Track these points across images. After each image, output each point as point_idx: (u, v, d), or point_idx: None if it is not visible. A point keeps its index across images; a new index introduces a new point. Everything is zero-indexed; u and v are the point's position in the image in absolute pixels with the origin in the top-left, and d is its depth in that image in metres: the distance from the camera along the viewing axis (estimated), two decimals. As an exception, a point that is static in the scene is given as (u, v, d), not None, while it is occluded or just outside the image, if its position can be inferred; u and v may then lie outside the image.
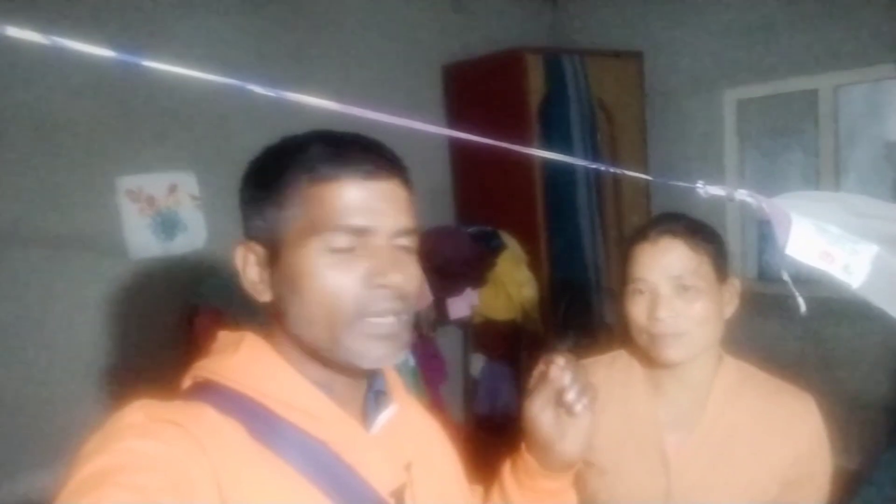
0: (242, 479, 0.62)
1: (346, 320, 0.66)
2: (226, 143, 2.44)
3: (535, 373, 0.84)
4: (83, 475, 0.55)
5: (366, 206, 0.67)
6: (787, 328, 2.91)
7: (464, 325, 3.09)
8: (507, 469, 0.90)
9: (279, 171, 0.69)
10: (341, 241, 0.66)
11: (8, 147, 2.05)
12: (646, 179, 3.37)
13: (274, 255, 0.69)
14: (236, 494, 0.60)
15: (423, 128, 0.56)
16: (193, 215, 2.42)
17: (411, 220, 0.71)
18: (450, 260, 2.72)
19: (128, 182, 2.28)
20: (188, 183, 2.41)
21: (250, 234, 0.71)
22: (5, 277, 2.06)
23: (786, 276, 0.75)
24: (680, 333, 1.01)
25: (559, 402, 0.80)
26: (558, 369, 0.81)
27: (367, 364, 0.69)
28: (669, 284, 1.01)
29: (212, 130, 2.47)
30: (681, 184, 0.71)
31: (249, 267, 0.71)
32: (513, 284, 2.90)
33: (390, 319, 0.68)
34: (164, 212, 2.35)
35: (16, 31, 0.39)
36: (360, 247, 0.67)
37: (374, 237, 0.67)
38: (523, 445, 0.86)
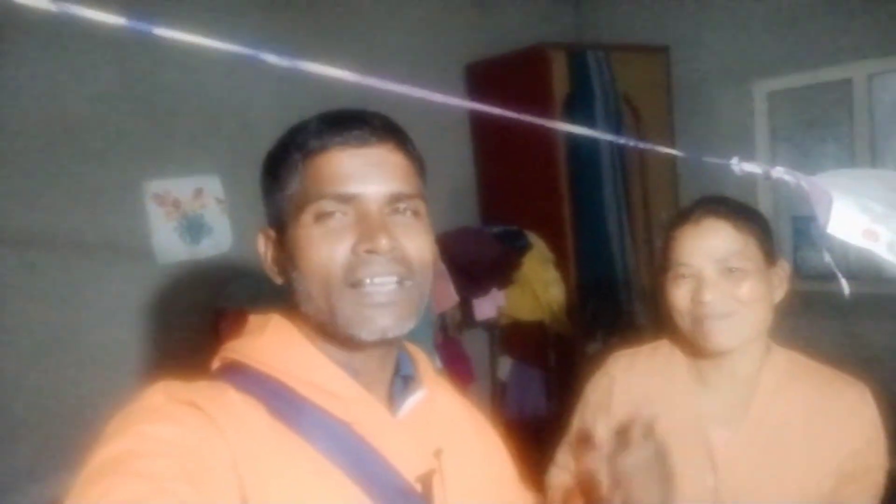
0: (262, 460, 0.60)
1: (339, 288, 0.65)
2: (250, 147, 2.44)
3: None
4: (98, 460, 0.55)
5: (353, 172, 0.66)
6: (824, 326, 2.81)
7: (490, 326, 3.06)
8: None
9: (281, 154, 0.70)
10: (329, 209, 0.66)
11: (35, 151, 2.08)
12: (674, 170, 3.31)
13: (281, 236, 0.70)
14: (255, 475, 0.59)
15: (445, 100, 0.54)
16: (219, 219, 2.43)
17: (407, 185, 0.69)
18: (475, 260, 2.69)
19: (155, 186, 2.30)
20: (214, 186, 2.42)
21: (268, 221, 0.73)
22: (35, 282, 2.09)
23: (827, 258, 0.71)
24: (727, 314, 0.95)
25: None
26: None
27: (368, 335, 0.66)
28: (715, 267, 0.96)
29: (237, 135, 2.48)
30: (714, 160, 0.67)
31: (267, 252, 0.73)
32: (539, 284, 2.86)
33: (387, 286, 0.66)
34: (190, 215, 2.37)
35: (22, -2, 0.39)
36: (352, 214, 0.66)
37: (364, 203, 0.66)
38: None
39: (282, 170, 0.69)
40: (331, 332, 0.68)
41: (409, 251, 0.68)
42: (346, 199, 0.66)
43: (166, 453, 0.55)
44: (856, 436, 0.98)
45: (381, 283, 0.66)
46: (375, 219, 0.66)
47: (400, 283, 0.67)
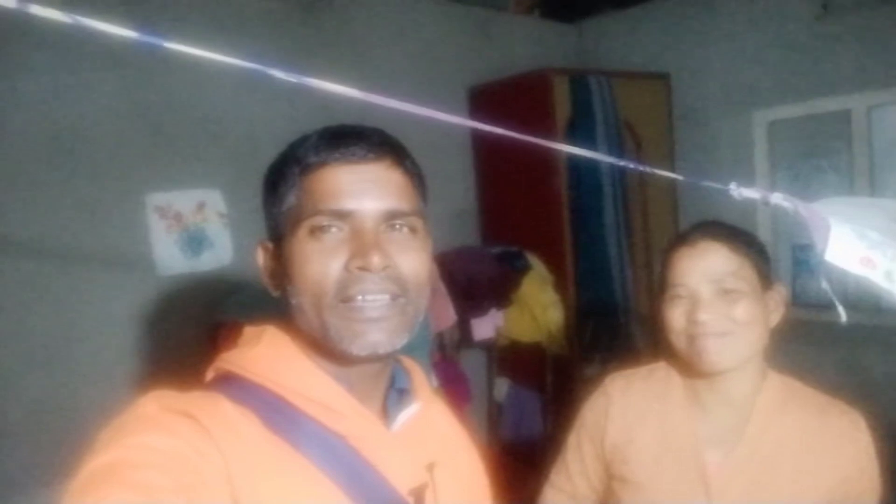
0: (255, 470, 0.60)
1: (330, 304, 0.65)
2: (253, 161, 2.45)
3: None
4: (91, 469, 0.54)
5: (349, 189, 0.66)
6: (823, 355, 2.81)
7: (488, 347, 3.06)
8: None
9: (280, 168, 0.70)
10: (323, 225, 0.66)
11: (38, 163, 2.10)
12: (674, 196, 3.32)
13: (278, 249, 0.70)
14: (249, 486, 0.59)
15: (446, 118, 0.55)
16: (220, 232, 2.44)
17: (404, 202, 0.69)
18: (474, 280, 2.70)
19: (157, 199, 2.31)
20: (215, 200, 2.43)
21: (267, 234, 0.74)
22: (35, 291, 2.09)
23: (825, 284, 0.71)
24: (722, 333, 0.96)
25: None
26: None
27: (358, 350, 0.66)
28: (710, 288, 0.98)
29: (240, 149, 2.50)
30: (713, 185, 0.68)
31: (265, 264, 0.74)
32: (538, 306, 2.86)
33: (378, 302, 0.66)
34: (192, 228, 2.38)
35: (38, 10, 0.40)
36: (347, 231, 0.66)
37: (359, 220, 0.66)
38: None
39: (280, 183, 0.69)
40: (323, 347, 0.69)
41: (403, 269, 0.68)
42: (342, 216, 0.66)
43: (159, 464, 0.55)
44: (849, 463, 0.98)
45: (373, 300, 0.66)
46: (369, 236, 0.66)
47: (393, 299, 0.67)
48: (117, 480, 0.53)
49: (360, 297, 0.65)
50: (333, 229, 0.66)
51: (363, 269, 0.65)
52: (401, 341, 0.69)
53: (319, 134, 0.70)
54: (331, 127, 0.71)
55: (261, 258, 0.75)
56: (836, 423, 1.01)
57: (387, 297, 0.66)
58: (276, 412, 0.65)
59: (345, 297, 0.65)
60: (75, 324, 2.17)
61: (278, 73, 0.50)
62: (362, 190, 0.67)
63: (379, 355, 0.68)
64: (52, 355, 2.12)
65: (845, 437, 1.00)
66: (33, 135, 2.09)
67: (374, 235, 0.66)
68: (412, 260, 0.69)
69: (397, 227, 0.69)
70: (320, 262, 0.65)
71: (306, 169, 0.68)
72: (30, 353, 2.08)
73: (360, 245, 0.65)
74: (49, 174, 2.12)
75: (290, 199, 0.68)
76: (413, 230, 0.70)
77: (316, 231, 0.66)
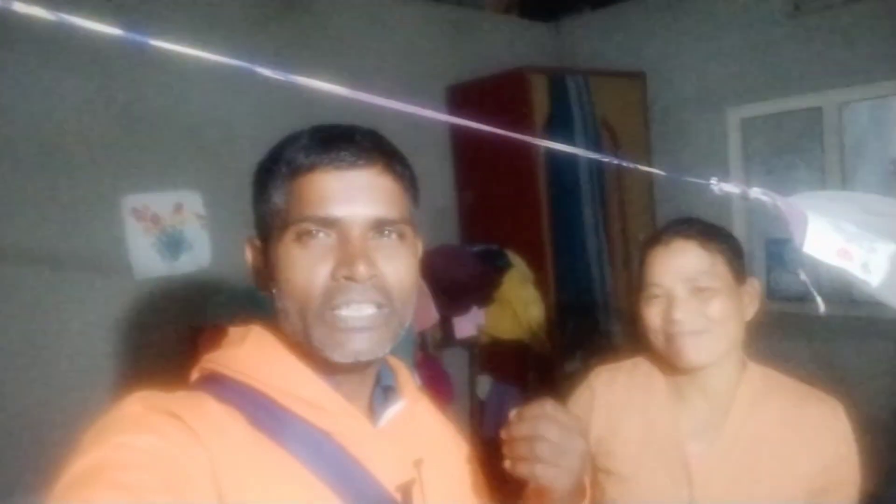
0: (241, 469, 0.60)
1: (315, 312, 0.65)
2: (232, 162, 2.45)
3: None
4: (76, 470, 0.54)
5: (338, 195, 0.66)
6: (798, 348, 2.86)
7: (470, 345, 3.06)
8: None
9: (269, 167, 0.69)
10: (311, 231, 0.65)
11: (12, 164, 2.06)
12: (651, 193, 3.36)
13: (266, 248, 0.70)
14: (234, 484, 0.59)
15: (428, 114, 0.56)
16: (199, 234, 2.41)
17: (393, 209, 0.69)
18: (455, 279, 2.70)
19: (133, 200, 2.28)
20: (194, 202, 2.41)
21: (255, 230, 0.73)
22: (10, 296, 2.05)
23: (803, 276, 0.73)
24: (698, 331, 0.99)
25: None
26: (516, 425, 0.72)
27: (341, 358, 0.66)
28: (684, 287, 1.00)
29: (218, 150, 2.48)
30: (694, 179, 0.70)
31: (253, 261, 0.73)
32: (519, 303, 2.88)
33: (363, 312, 0.66)
34: (170, 231, 2.35)
35: (22, 6, 0.39)
36: (334, 237, 0.66)
37: (347, 227, 0.66)
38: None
39: (269, 182, 0.69)
40: (307, 351, 0.69)
41: (389, 278, 0.67)
42: (329, 223, 0.65)
43: (145, 464, 0.55)
44: (829, 451, 1.00)
45: (357, 310, 0.66)
46: (356, 244, 0.65)
47: (378, 309, 0.67)
48: (103, 481, 0.53)
49: (344, 307, 0.65)
50: (321, 235, 0.66)
51: (349, 278, 0.65)
52: (384, 350, 0.69)
53: (310, 134, 0.69)
54: (322, 127, 0.70)
55: (249, 255, 0.74)
56: (816, 412, 1.03)
57: (372, 307, 0.66)
58: (261, 410, 0.65)
59: (330, 306, 0.65)
60: (53, 328, 2.13)
61: (265, 71, 0.50)
62: (350, 197, 0.66)
63: (361, 363, 0.68)
64: (30, 360, 2.08)
65: (825, 426, 1.02)
66: (7, 136, 2.05)
67: (362, 243, 0.66)
68: (398, 268, 0.68)
69: (385, 233, 0.68)
70: (306, 268, 0.65)
71: (295, 171, 0.67)
72: (7, 358, 2.05)
73: (347, 254, 0.65)
74: (23, 176, 2.08)
75: (278, 200, 0.68)
76: (401, 236, 0.70)
77: (303, 237, 0.65)
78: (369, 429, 0.71)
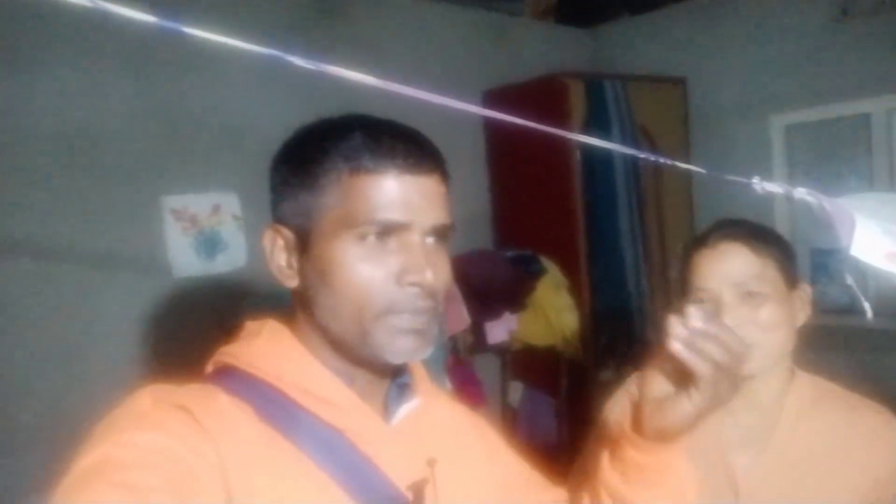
0: (250, 464, 0.60)
1: (375, 315, 0.65)
2: (269, 165, 2.48)
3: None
4: (81, 467, 0.54)
5: (404, 200, 0.65)
6: (845, 361, 2.76)
7: (502, 351, 3.04)
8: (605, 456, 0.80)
9: (317, 157, 0.67)
10: (376, 234, 0.65)
11: (54, 164, 2.12)
12: (690, 198, 3.27)
13: (304, 242, 0.68)
14: (243, 480, 0.59)
15: (462, 106, 0.55)
16: (235, 235, 2.45)
17: (448, 217, 0.69)
18: (488, 283, 2.69)
19: (172, 201, 2.33)
20: (231, 203, 2.45)
21: (280, 218, 0.70)
22: (50, 293, 2.11)
23: (850, 281, 0.70)
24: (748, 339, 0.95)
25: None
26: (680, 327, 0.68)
27: (393, 358, 0.67)
28: (732, 291, 0.95)
29: (256, 152, 2.48)
30: (735, 178, 0.67)
31: (277, 251, 0.70)
32: (552, 310, 2.85)
33: (425, 316, 0.66)
34: (207, 231, 2.39)
35: (57, -8, 0.40)
36: (395, 242, 0.66)
37: (410, 233, 0.66)
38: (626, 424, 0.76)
39: (317, 174, 0.66)
40: (351, 351, 0.68)
41: (438, 283, 0.67)
42: (397, 227, 0.65)
43: (150, 463, 0.55)
44: (882, 463, 0.95)
45: (419, 314, 0.66)
46: (420, 251, 0.66)
47: (433, 312, 0.67)
48: (108, 479, 0.52)
49: (408, 313, 0.65)
50: (386, 238, 0.65)
51: (415, 284, 0.65)
52: (429, 351, 0.69)
53: (364, 129, 0.67)
54: (370, 121, 0.69)
55: (269, 242, 0.71)
56: (868, 423, 0.98)
57: (430, 311, 0.67)
58: (273, 405, 0.65)
59: (395, 310, 0.65)
60: (90, 326, 2.18)
61: (296, 60, 0.50)
62: (417, 203, 0.66)
63: (409, 361, 0.69)
64: (68, 358, 2.13)
65: (878, 437, 0.97)
66: (48, 136, 2.11)
67: (424, 249, 0.66)
68: (444, 273, 0.69)
69: (437, 240, 0.69)
70: (370, 271, 0.65)
71: (358, 171, 0.65)
72: (45, 356, 2.10)
73: (413, 259, 0.65)
74: (64, 176, 2.14)
75: (332, 198, 0.66)
76: (446, 241, 0.70)
77: (367, 238, 0.65)
78: (382, 426, 0.71)
